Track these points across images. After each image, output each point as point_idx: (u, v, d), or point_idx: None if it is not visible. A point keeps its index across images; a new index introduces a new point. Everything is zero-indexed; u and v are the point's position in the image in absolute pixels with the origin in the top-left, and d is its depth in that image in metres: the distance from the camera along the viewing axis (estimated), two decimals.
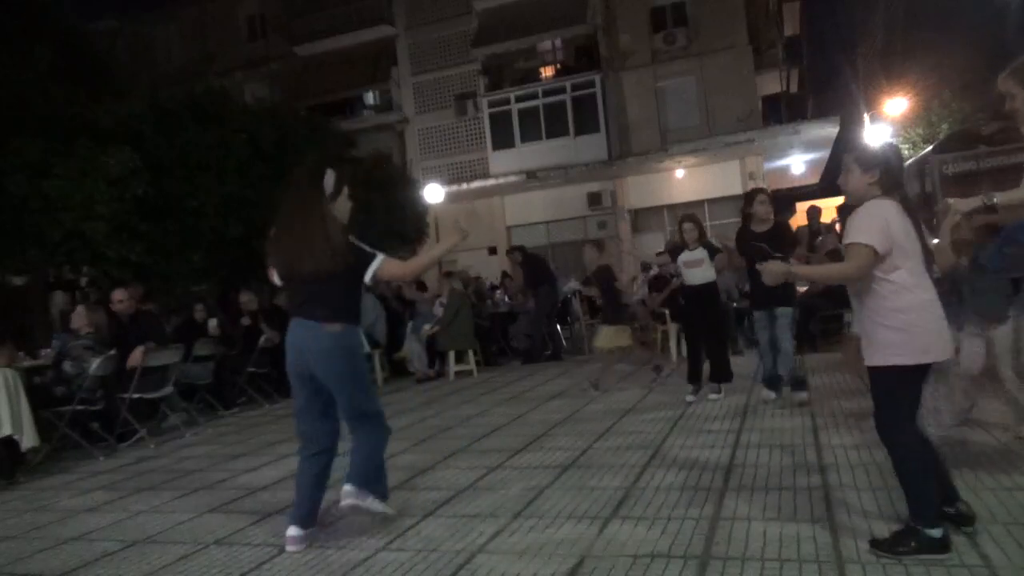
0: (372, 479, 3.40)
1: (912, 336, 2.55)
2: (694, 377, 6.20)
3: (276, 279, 3.45)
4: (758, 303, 5.74)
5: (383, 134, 21.55)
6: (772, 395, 5.74)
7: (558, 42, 20.56)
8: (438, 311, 9.71)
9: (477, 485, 4.09)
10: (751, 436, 4.63)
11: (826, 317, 8.39)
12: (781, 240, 5.50)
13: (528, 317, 10.74)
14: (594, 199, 19.96)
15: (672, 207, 19.89)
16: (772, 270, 2.89)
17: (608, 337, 7.14)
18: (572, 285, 11.26)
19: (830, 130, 17.84)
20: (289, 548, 3.26)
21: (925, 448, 2.62)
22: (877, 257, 2.55)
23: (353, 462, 3.41)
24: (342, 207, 3.36)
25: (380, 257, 3.27)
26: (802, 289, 8.57)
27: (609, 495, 3.63)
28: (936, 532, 2.50)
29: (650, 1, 19.58)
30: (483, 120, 20.53)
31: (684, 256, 6.21)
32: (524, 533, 3.21)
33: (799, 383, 5.64)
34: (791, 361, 5.61)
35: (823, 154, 19.49)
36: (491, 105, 20.31)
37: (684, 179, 19.47)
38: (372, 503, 3.35)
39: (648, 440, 4.78)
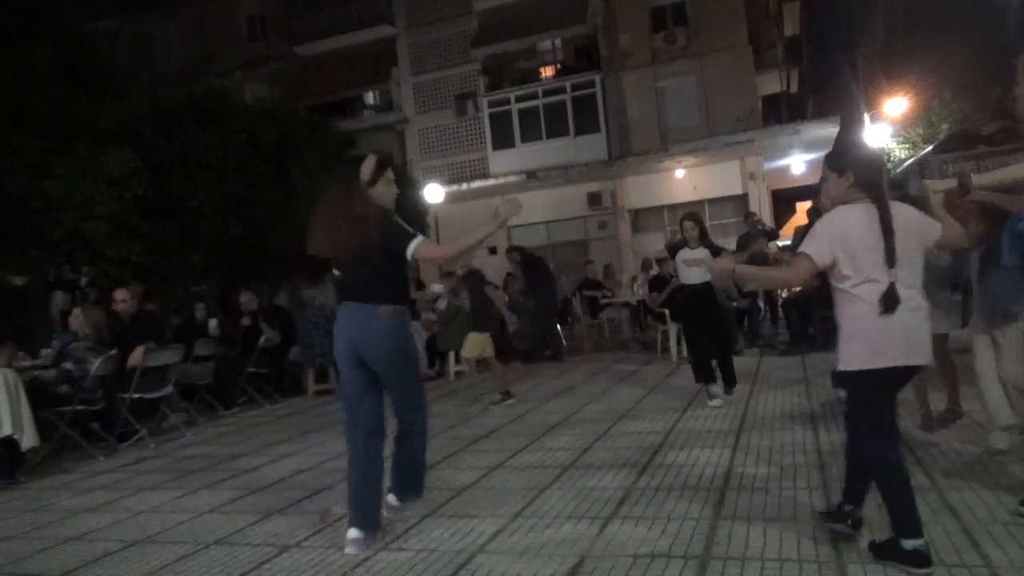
0: (414, 484, 3.49)
1: (863, 342, 2.57)
2: (706, 375, 6.00)
3: (334, 270, 3.49)
4: None
5: (383, 134, 21.56)
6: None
7: (558, 42, 20.56)
8: (441, 306, 9.70)
9: (477, 485, 4.09)
10: (751, 436, 4.63)
11: (825, 317, 8.38)
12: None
13: (528, 317, 10.74)
14: (594, 199, 19.96)
15: (672, 207, 19.88)
16: (719, 267, 3.01)
17: (472, 344, 7.11)
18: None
19: (830, 130, 17.82)
20: (348, 551, 3.17)
21: (898, 462, 2.59)
22: (815, 267, 2.61)
23: (396, 469, 3.46)
24: (384, 192, 3.34)
25: (419, 238, 3.24)
26: (795, 290, 8.69)
27: (609, 495, 3.63)
28: (912, 544, 2.45)
29: (650, 1, 19.58)
30: (483, 120, 20.53)
31: (684, 254, 6.16)
32: (524, 533, 3.21)
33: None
34: None
35: (823, 154, 19.42)
36: (491, 105, 20.31)
37: (684, 179, 19.47)
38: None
39: (648, 440, 4.78)
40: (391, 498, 3.47)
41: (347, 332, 3.31)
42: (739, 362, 7.80)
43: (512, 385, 7.23)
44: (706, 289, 6.12)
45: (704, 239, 6.14)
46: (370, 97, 23.00)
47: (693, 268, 6.13)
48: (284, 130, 12.34)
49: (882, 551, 2.54)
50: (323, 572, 3.00)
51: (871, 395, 2.63)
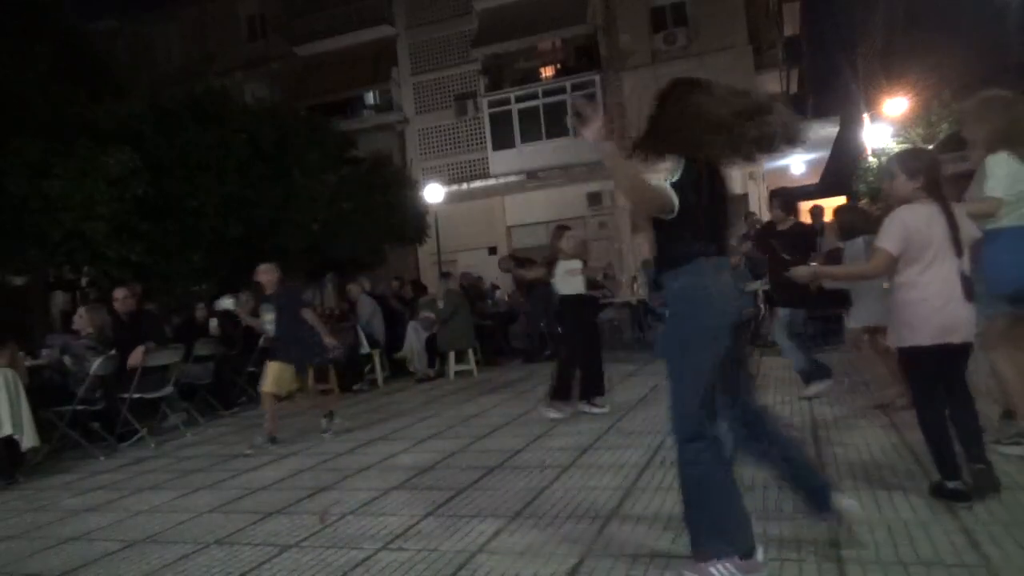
0: None
1: (916, 323, 2.97)
2: (594, 389, 5.98)
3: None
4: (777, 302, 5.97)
5: (383, 134, 21.56)
6: (824, 386, 5.67)
7: (558, 42, 20.55)
8: (441, 305, 9.70)
9: (477, 485, 4.09)
10: None
11: (826, 317, 8.38)
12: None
13: (528, 317, 10.74)
14: (594, 199, 19.95)
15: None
16: (802, 273, 3.35)
17: (274, 377, 5.90)
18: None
19: (830, 130, 17.83)
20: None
21: (941, 417, 3.03)
22: (893, 259, 2.99)
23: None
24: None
25: None
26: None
27: (609, 495, 3.63)
28: (953, 484, 2.97)
29: (650, 1, 19.58)
30: (483, 120, 20.52)
31: (565, 264, 6.02)
32: (524, 533, 3.21)
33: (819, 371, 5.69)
34: (799, 360, 5.72)
35: (823, 154, 19.48)
36: (491, 105, 20.31)
37: None
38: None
39: (648, 440, 4.78)
40: None
41: (731, 294, 2.60)
42: None
43: (331, 407, 6.45)
44: (588, 300, 6.10)
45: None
46: (370, 97, 22.99)
47: (576, 278, 6.00)
48: (284, 130, 12.35)
49: (935, 491, 3.07)
50: (323, 572, 3.00)
51: (927, 368, 3.02)
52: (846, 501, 2.69)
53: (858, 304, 5.15)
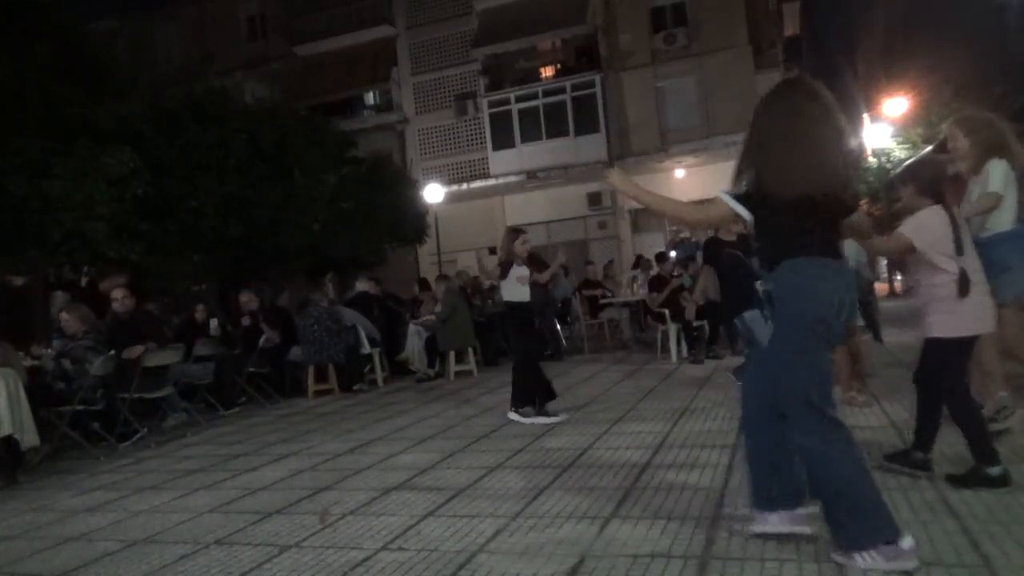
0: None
1: (940, 317, 3.22)
2: (544, 396, 5.82)
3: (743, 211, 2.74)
4: (736, 310, 6.09)
5: (383, 134, 21.58)
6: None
7: (558, 42, 20.56)
8: (438, 309, 9.71)
9: (477, 485, 4.09)
10: None
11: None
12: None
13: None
14: (594, 199, 19.97)
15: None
16: (860, 231, 3.18)
17: None
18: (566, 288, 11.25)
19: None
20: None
21: (970, 404, 3.27)
22: (911, 245, 3.20)
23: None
24: None
25: None
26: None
27: (609, 495, 3.63)
28: (995, 470, 3.11)
29: (650, 1, 19.59)
30: (483, 120, 20.53)
31: (517, 271, 5.92)
32: (524, 533, 3.21)
33: None
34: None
35: None
36: (491, 105, 20.32)
37: (684, 179, 19.47)
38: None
39: (648, 440, 4.78)
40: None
41: (836, 293, 2.60)
42: (739, 362, 7.80)
43: None
44: (529, 308, 5.99)
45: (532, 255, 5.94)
46: (370, 97, 23.01)
47: (524, 286, 5.90)
48: (284, 130, 12.36)
49: (967, 480, 3.15)
50: (323, 572, 3.00)
51: (952, 357, 3.24)
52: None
53: None
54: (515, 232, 6.05)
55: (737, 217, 2.72)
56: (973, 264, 3.22)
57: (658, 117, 19.52)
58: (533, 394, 5.81)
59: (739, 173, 2.74)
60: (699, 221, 3.40)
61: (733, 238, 6.30)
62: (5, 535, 4.05)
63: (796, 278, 2.58)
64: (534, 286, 8.72)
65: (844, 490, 2.47)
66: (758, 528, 2.80)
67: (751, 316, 5.80)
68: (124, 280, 7.91)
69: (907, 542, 2.42)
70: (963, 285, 3.13)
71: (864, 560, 2.42)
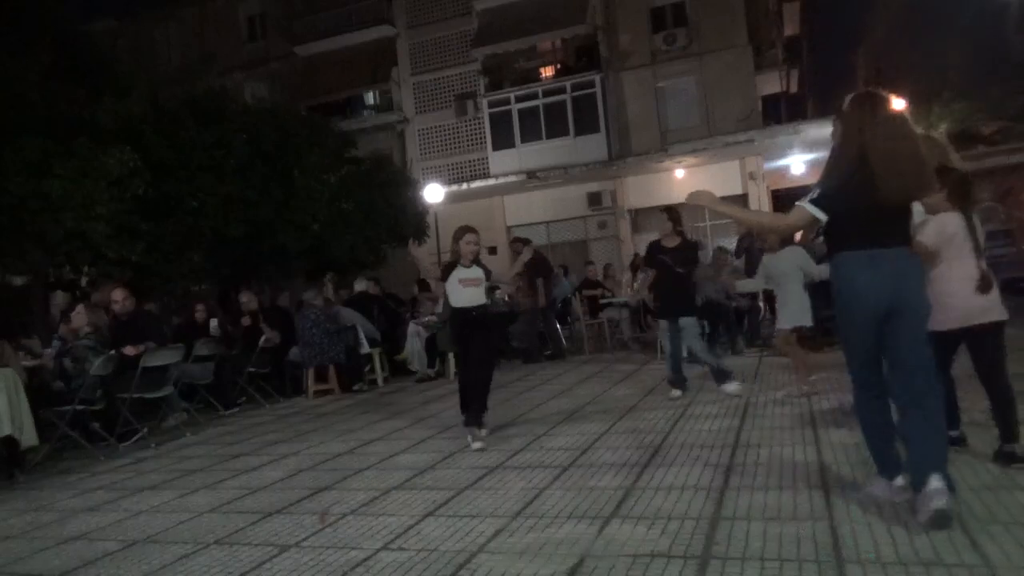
0: (937, 460, 2.87)
1: (956, 310, 3.49)
2: (475, 414, 5.29)
3: (819, 213, 3.04)
4: (661, 313, 6.49)
5: (383, 134, 21.57)
6: (678, 393, 6.25)
7: (558, 42, 20.56)
8: (438, 308, 9.70)
9: (477, 485, 4.09)
10: (751, 435, 4.62)
11: (825, 318, 8.37)
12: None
13: (527, 317, 10.72)
14: (594, 199, 19.96)
15: (672, 207, 19.85)
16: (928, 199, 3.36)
17: None
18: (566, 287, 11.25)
19: (830, 130, 17.82)
20: (936, 505, 2.74)
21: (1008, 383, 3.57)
22: (933, 247, 3.45)
23: (915, 445, 2.93)
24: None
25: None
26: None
27: (609, 495, 3.63)
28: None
29: (650, 1, 19.58)
30: (483, 120, 20.53)
31: (460, 273, 5.36)
32: (524, 533, 3.21)
33: (722, 375, 6.17)
34: (709, 358, 6.31)
35: (823, 154, 19.45)
36: (491, 105, 20.31)
37: (684, 179, 19.47)
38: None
39: (648, 440, 4.78)
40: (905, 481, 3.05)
41: (883, 281, 2.93)
42: (740, 362, 7.81)
43: None
44: (483, 312, 5.39)
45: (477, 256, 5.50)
46: (370, 97, 23.01)
47: (470, 288, 5.35)
48: (284, 130, 12.36)
49: (1007, 458, 3.45)
50: (323, 572, 3.00)
51: (950, 347, 3.56)
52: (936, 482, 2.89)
53: (785, 309, 5.91)
54: (462, 230, 5.50)
55: (815, 221, 3.07)
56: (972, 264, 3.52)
57: (658, 117, 19.52)
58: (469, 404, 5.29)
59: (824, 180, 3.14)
60: (782, 228, 3.66)
61: (673, 244, 6.30)
62: (5, 535, 4.05)
63: (841, 271, 3.06)
64: (529, 287, 8.62)
65: (868, 438, 3.19)
66: (870, 493, 3.18)
67: (686, 322, 6.18)
68: (119, 284, 7.91)
69: (900, 480, 3.06)
70: (985, 283, 3.48)
71: (875, 486, 3.17)
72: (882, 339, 2.98)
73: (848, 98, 3.14)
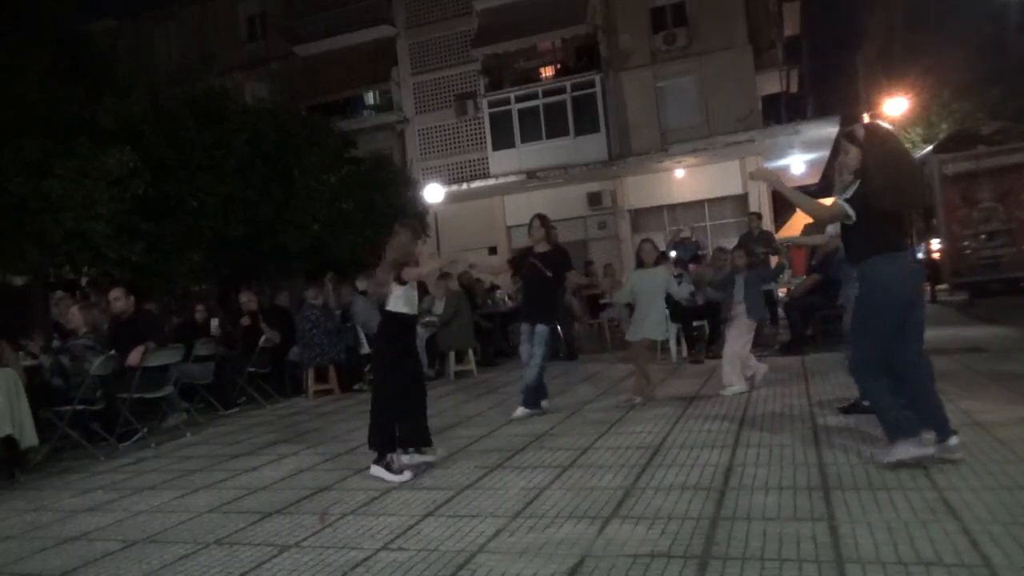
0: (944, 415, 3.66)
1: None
2: (390, 440, 4.54)
3: (851, 211, 3.60)
4: (524, 317, 6.38)
5: (383, 134, 21.58)
6: (525, 412, 6.07)
7: (558, 42, 20.57)
8: (438, 308, 9.70)
9: (477, 485, 4.09)
10: (751, 436, 4.63)
11: (826, 317, 8.38)
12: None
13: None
14: (594, 199, 19.96)
15: (672, 207, 19.90)
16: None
17: None
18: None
19: (830, 130, 17.83)
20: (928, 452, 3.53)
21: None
22: None
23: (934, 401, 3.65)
24: None
25: None
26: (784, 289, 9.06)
27: (609, 495, 3.63)
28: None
29: (650, 1, 19.59)
30: (483, 120, 20.54)
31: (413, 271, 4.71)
32: (524, 533, 3.21)
33: (531, 397, 6.07)
34: (533, 375, 6.04)
35: (823, 154, 19.50)
36: (491, 105, 20.32)
37: (684, 179, 19.48)
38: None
39: (648, 440, 4.78)
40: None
41: (917, 277, 3.78)
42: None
43: None
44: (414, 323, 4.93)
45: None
46: (370, 97, 23.02)
47: (412, 295, 4.74)
48: (284, 130, 12.35)
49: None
50: (323, 572, 3.00)
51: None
52: (954, 440, 3.58)
53: (644, 322, 6.26)
54: (405, 227, 4.91)
55: (848, 217, 3.55)
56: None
57: (658, 117, 19.52)
58: (391, 439, 4.54)
59: (851, 185, 3.63)
60: (826, 216, 3.98)
61: (543, 250, 6.16)
62: (5, 535, 4.04)
63: (871, 271, 3.56)
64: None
65: (880, 411, 3.64)
66: (891, 457, 3.57)
67: (541, 330, 6.07)
68: (115, 285, 7.89)
69: (925, 437, 3.53)
70: None
71: (900, 446, 3.54)
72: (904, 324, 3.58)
73: (861, 127, 3.79)
